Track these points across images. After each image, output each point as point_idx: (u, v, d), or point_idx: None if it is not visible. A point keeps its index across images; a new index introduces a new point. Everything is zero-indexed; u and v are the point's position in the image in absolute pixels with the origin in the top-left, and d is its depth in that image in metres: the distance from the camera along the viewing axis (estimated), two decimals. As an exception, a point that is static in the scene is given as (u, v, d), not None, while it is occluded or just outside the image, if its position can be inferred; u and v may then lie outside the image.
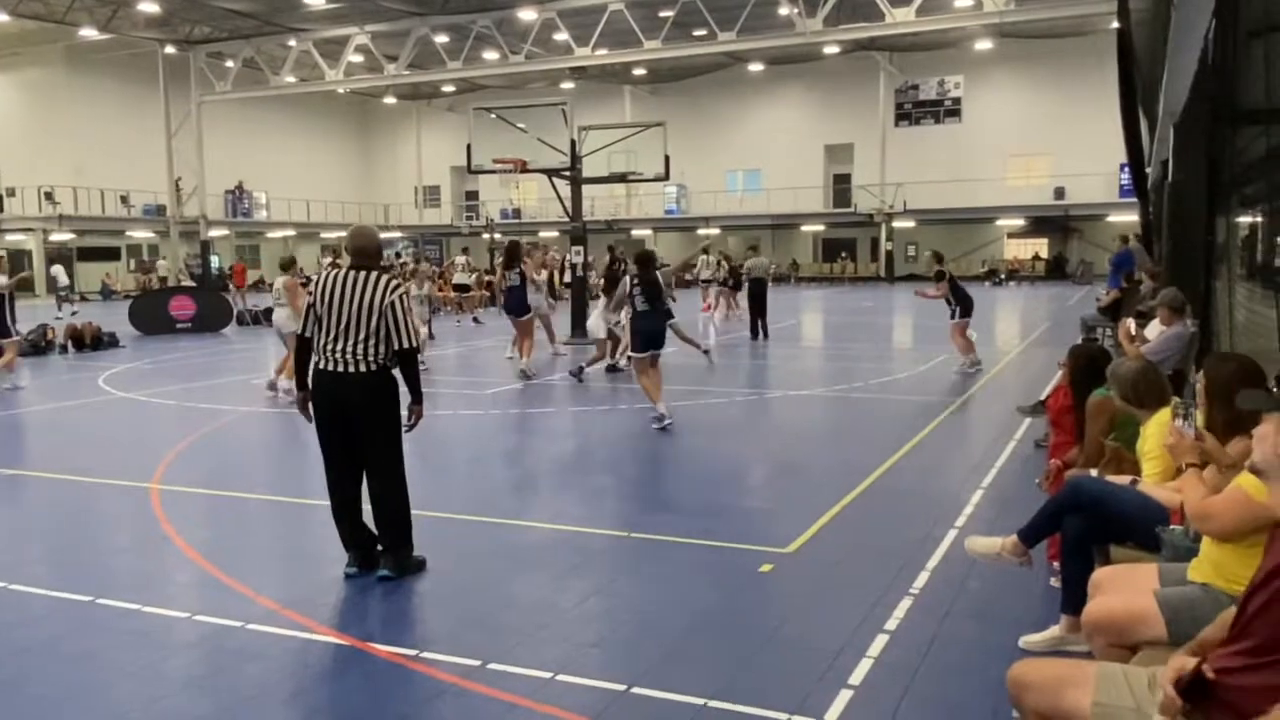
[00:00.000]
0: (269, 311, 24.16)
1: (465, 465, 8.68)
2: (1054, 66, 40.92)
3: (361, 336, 5.17)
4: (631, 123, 22.62)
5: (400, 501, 5.36)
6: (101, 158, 40.22)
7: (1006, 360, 14.96)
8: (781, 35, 31.90)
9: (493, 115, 18.52)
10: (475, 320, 24.45)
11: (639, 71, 45.03)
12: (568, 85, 42.18)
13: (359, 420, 5.23)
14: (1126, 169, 29.00)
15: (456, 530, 6.32)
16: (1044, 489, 5.19)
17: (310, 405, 5.35)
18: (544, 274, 17.53)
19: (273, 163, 47.86)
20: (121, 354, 17.98)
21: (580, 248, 18.87)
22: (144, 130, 40.67)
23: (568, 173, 18.25)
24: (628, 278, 10.30)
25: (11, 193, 39.40)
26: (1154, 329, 7.83)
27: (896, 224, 44.55)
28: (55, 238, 39.39)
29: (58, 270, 29.73)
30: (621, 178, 19.34)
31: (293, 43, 36.88)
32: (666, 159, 18.41)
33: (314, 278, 5.96)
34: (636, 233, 49.47)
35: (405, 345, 5.24)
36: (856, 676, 4.00)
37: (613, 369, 13.62)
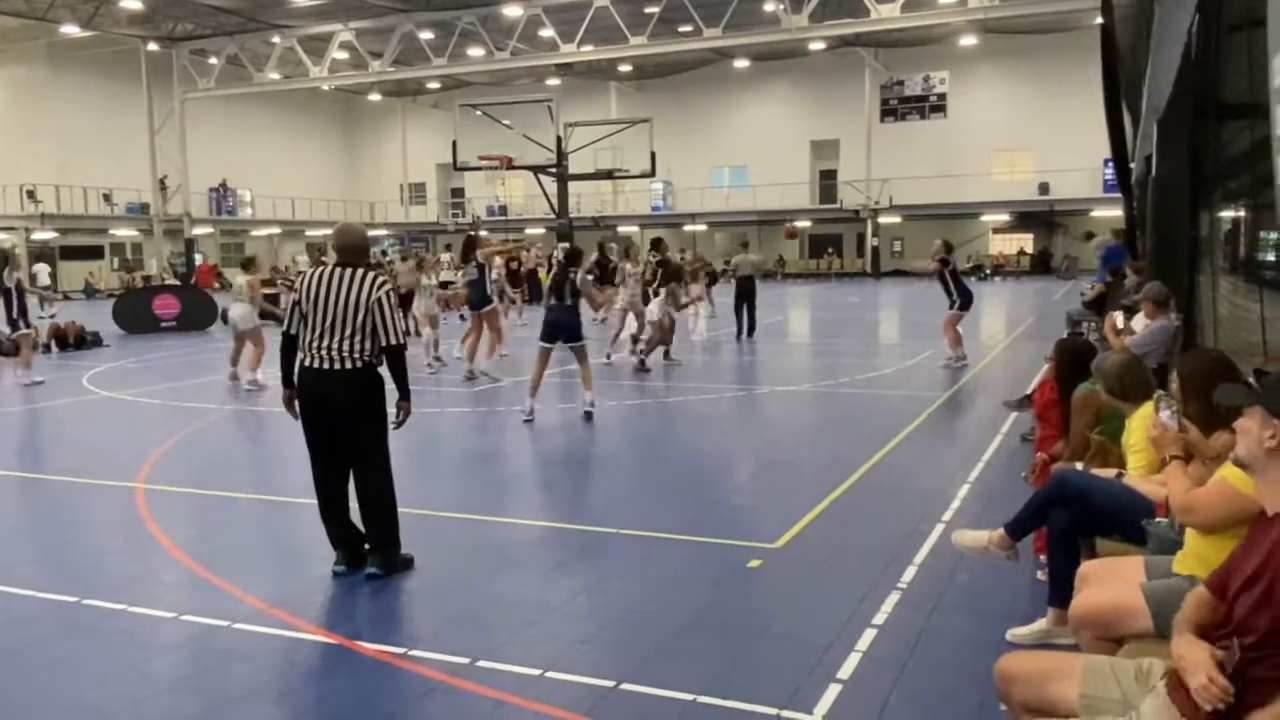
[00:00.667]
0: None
1: (452, 462, 8.67)
2: (1038, 62, 41.05)
3: (348, 333, 5.14)
4: (617, 119, 22.67)
5: (387, 499, 5.34)
6: (84, 155, 39.92)
7: (992, 355, 15.02)
8: (767, 31, 31.93)
9: (478, 112, 18.53)
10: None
11: (625, 68, 44.97)
12: (553, 82, 42.12)
13: (345, 417, 5.21)
14: (1110, 164, 29.17)
15: (444, 528, 6.31)
16: (1030, 483, 5.21)
17: (295, 403, 5.34)
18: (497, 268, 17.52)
19: (257, 160, 47.61)
20: (105, 353, 17.87)
21: (565, 244, 18.84)
22: (127, 128, 40.39)
23: (554, 169, 18.27)
24: (557, 269, 10.57)
25: (-7, 191, 39.16)
26: (1139, 323, 7.87)
27: (882, 220, 44.65)
28: (38, 236, 39.10)
29: (40, 269, 29.49)
30: (608, 174, 19.40)
31: (277, 39, 36.71)
32: (653, 155, 18.47)
33: (299, 275, 5.96)
34: (623, 229, 49.40)
35: (393, 341, 5.22)
36: (845, 671, 4.01)
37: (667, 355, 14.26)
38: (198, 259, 42.37)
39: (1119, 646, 3.05)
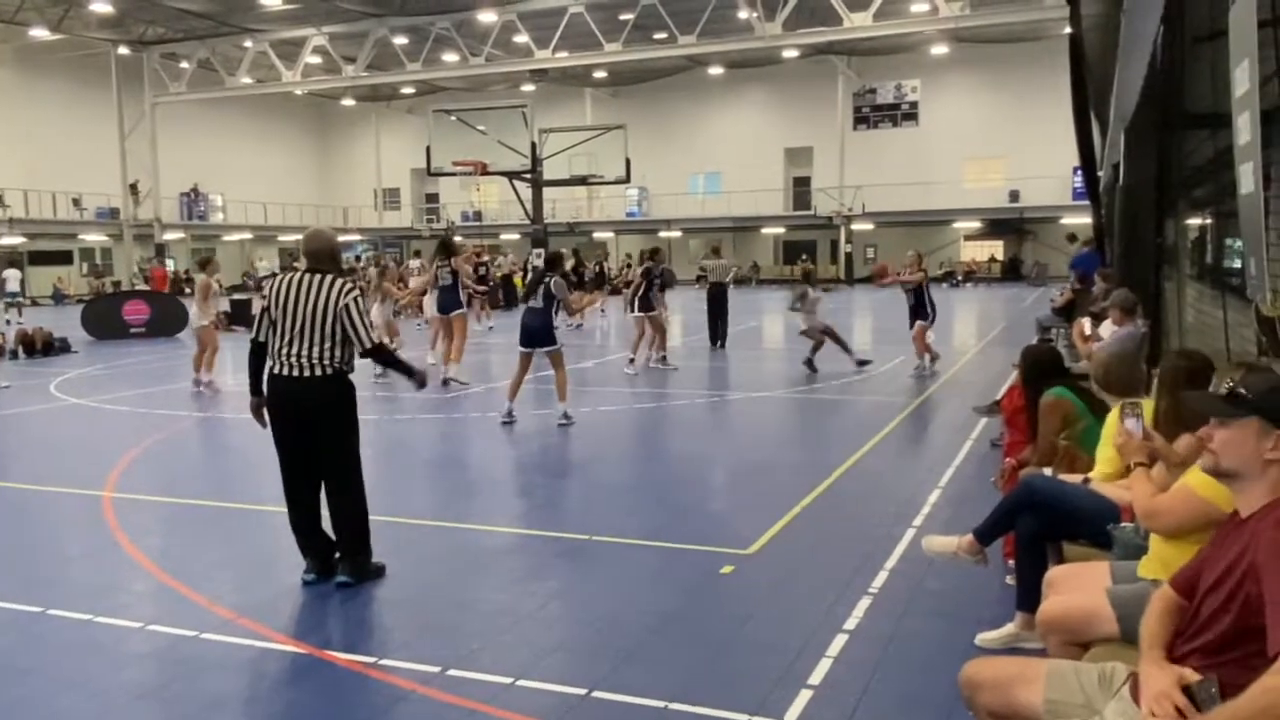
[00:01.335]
0: (225, 315, 23.93)
1: (424, 469, 8.63)
2: (1009, 71, 41.47)
3: (318, 339, 5.10)
4: (592, 125, 22.69)
5: (359, 507, 5.31)
6: (53, 160, 39.44)
7: (963, 361, 15.13)
8: (741, 39, 32.08)
9: (453, 117, 18.49)
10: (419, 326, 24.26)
11: (600, 74, 45.01)
12: (528, 88, 42.08)
13: (316, 425, 5.17)
14: (1079, 172, 29.50)
15: (415, 535, 6.28)
16: (999, 488, 5.26)
17: (264, 411, 5.30)
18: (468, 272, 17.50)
19: (229, 165, 47.25)
20: (74, 359, 17.66)
21: (541, 250, 18.83)
22: (97, 132, 39.97)
23: (529, 175, 18.26)
24: (534, 274, 10.82)
25: (-40, 196, 38.62)
26: (1107, 329, 7.96)
27: (855, 226, 44.91)
28: (6, 241, 38.58)
29: (10, 274, 28.96)
30: (582, 180, 19.39)
31: (249, 44, 36.46)
32: (628, 161, 18.48)
33: (268, 278, 5.93)
34: (598, 235, 49.46)
35: (369, 344, 5.20)
36: (816, 676, 4.03)
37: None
38: (169, 265, 41.93)
39: (1085, 651, 3.08)
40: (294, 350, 5.12)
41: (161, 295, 27.24)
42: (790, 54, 38.40)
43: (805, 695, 3.86)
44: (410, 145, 46.37)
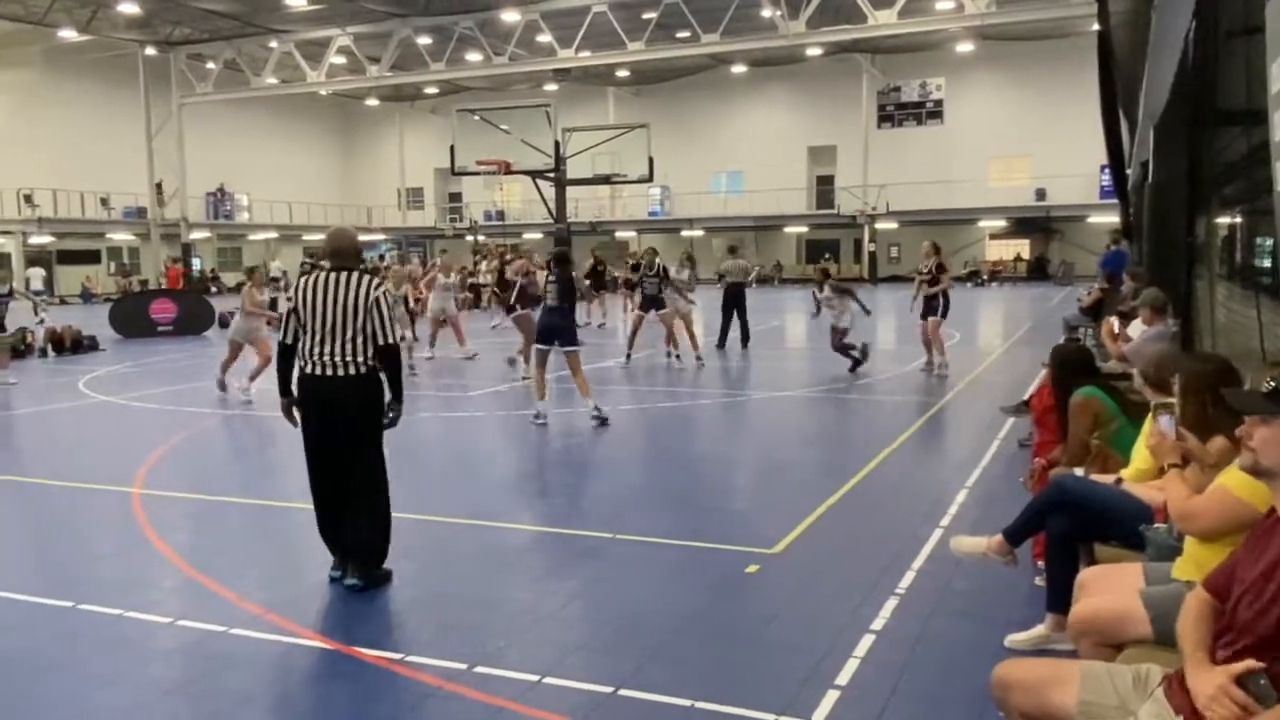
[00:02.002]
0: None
1: (449, 467, 8.65)
2: (1035, 68, 41.13)
3: (348, 337, 5.10)
4: (615, 124, 22.69)
5: (382, 509, 5.28)
6: (82, 160, 39.88)
7: (989, 360, 15.03)
8: (764, 37, 31.96)
9: (476, 117, 18.52)
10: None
11: (622, 73, 45.01)
12: (551, 87, 42.13)
13: (346, 423, 5.15)
14: (1107, 170, 29.22)
15: (440, 533, 6.29)
16: (1029, 488, 5.21)
17: (294, 410, 5.31)
18: (452, 275, 17.67)
19: (254, 164, 47.61)
20: (102, 357, 17.85)
21: (561, 249, 18.87)
22: (125, 132, 40.36)
23: (552, 174, 18.25)
24: (544, 274, 10.84)
25: (-10, 195, 39.15)
26: (1136, 329, 7.87)
27: (879, 225, 44.69)
28: (35, 240, 39.05)
29: (34, 273, 29.20)
30: (605, 179, 19.34)
31: (274, 44, 36.69)
32: (650, 160, 18.43)
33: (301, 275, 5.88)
34: (620, 234, 49.46)
35: (389, 341, 5.18)
36: (843, 676, 4.01)
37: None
38: (195, 263, 42.32)
39: (1118, 653, 3.05)
40: (326, 349, 5.11)
41: (188, 294, 27.51)
42: (814, 52, 38.23)
43: (833, 696, 3.84)
44: (434, 145, 46.58)
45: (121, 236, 43.72)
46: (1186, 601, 2.65)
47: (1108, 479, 4.14)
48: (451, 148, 18.30)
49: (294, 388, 5.29)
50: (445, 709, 3.86)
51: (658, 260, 15.54)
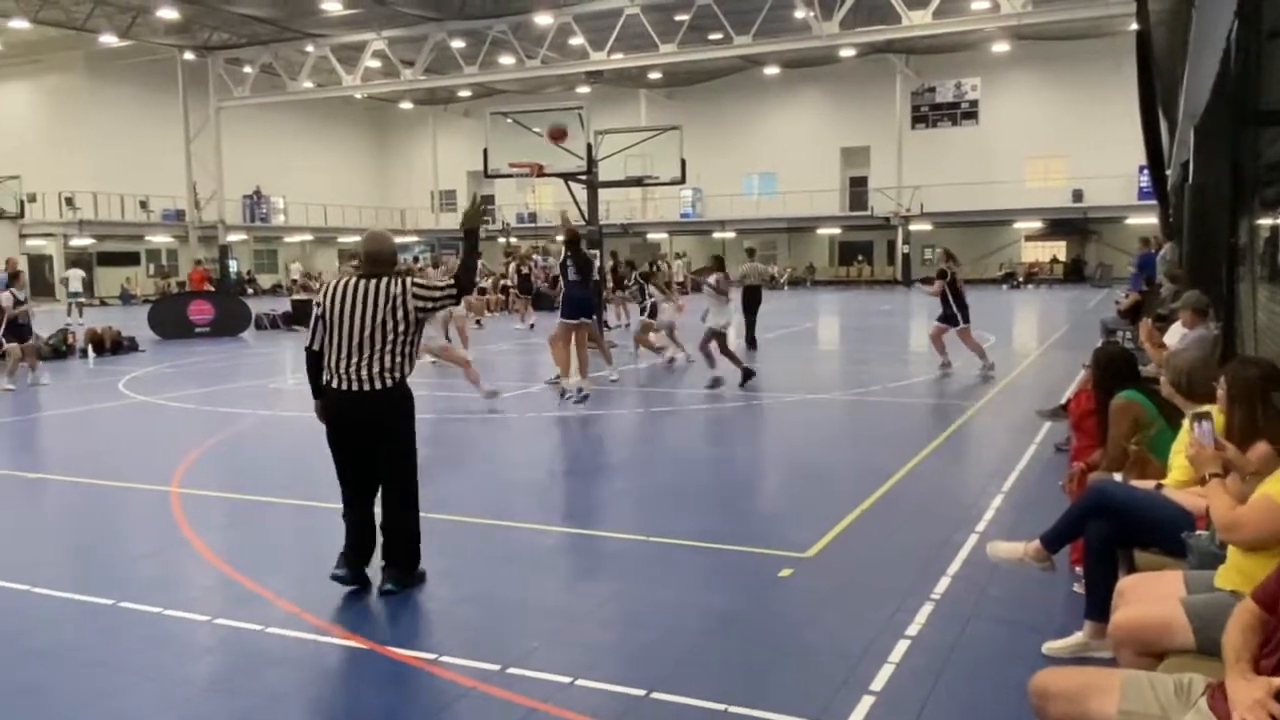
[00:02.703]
0: (286, 316, 24.38)
1: (480, 468, 8.68)
2: (1071, 68, 40.72)
3: (377, 350, 4.92)
4: (647, 126, 22.65)
5: (413, 522, 5.20)
6: (121, 163, 40.55)
7: (1025, 364, 14.88)
8: (797, 38, 31.90)
9: (509, 120, 18.52)
10: (478, 323, 24.49)
11: (655, 75, 45.06)
12: (584, 89, 42.21)
13: (375, 439, 5.03)
14: (1145, 171, 28.85)
15: (471, 534, 6.32)
16: (1067, 492, 5.14)
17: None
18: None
19: (290, 167, 48.17)
20: (141, 358, 18.09)
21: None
22: (163, 136, 41.00)
23: (584, 176, 18.25)
24: (562, 254, 11.78)
25: (33, 198, 39.70)
26: (1175, 332, 7.76)
27: (913, 227, 44.43)
28: (75, 243, 39.71)
29: (73, 274, 29.53)
30: (637, 181, 19.33)
31: (310, 49, 37.11)
32: (683, 162, 18.38)
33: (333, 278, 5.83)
34: (652, 236, 49.50)
35: (453, 290, 5.12)
36: (878, 682, 3.98)
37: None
38: (232, 265, 42.81)
39: (1159, 662, 3.00)
40: (353, 363, 4.94)
41: (226, 296, 27.82)
42: (847, 53, 38.08)
43: (868, 701, 3.82)
44: (467, 147, 46.84)
45: (160, 239, 44.37)
46: (1235, 612, 2.61)
47: (1148, 484, 4.08)
48: (485, 150, 18.32)
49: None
50: (479, 709, 3.87)
51: (634, 272, 16.44)
